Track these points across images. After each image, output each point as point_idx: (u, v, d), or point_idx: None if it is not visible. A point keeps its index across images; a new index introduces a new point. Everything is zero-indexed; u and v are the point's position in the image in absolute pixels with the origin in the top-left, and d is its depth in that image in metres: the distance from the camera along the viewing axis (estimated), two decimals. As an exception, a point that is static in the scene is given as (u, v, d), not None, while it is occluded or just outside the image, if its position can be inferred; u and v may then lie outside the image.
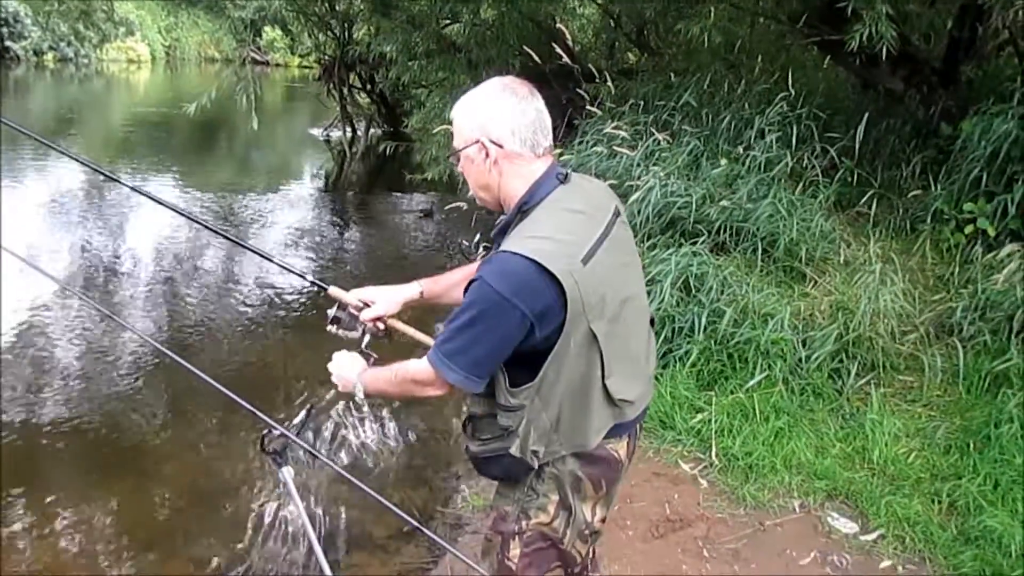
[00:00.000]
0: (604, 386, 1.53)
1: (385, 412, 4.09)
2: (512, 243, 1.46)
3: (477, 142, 1.53)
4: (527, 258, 1.41)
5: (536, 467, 1.56)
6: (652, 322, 1.74)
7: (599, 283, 1.48)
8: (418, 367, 1.56)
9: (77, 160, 2.12)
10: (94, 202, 8.77)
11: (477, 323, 1.44)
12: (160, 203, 2.10)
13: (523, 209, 1.54)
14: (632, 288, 1.61)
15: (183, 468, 3.53)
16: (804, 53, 6.30)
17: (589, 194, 1.62)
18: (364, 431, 3.94)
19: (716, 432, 3.42)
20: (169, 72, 32.61)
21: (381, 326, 1.89)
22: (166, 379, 4.34)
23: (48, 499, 3.20)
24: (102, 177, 9.59)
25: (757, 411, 3.47)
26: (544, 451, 1.55)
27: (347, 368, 1.74)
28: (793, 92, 4.77)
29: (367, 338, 1.87)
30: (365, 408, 4.04)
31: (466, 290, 1.48)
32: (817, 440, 3.40)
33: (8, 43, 26.64)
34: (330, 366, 1.77)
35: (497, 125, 1.52)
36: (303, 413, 1.77)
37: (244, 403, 1.70)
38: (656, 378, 3.65)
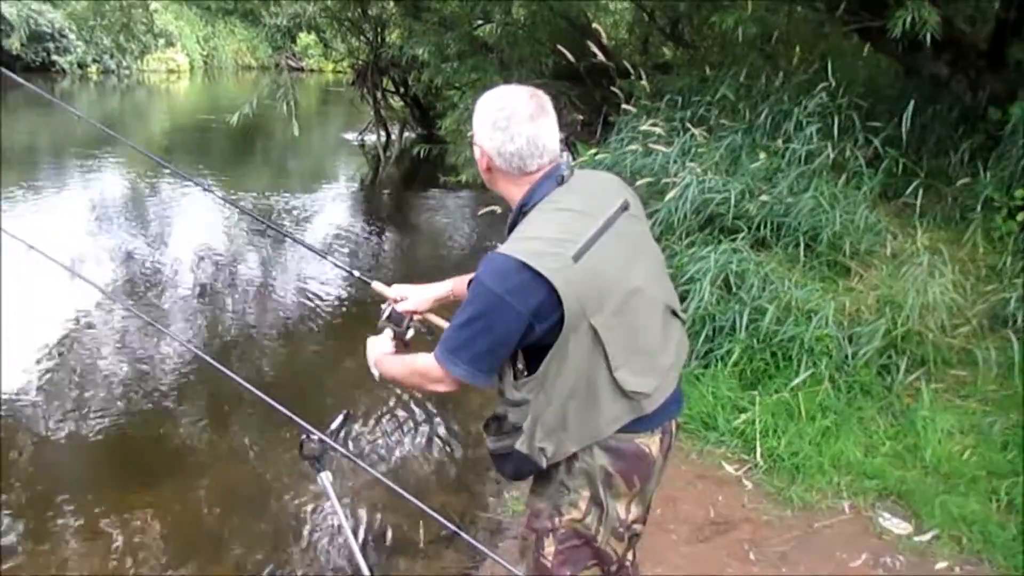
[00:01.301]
0: (613, 379, 1.54)
1: (423, 416, 4.10)
2: (506, 246, 1.53)
3: (477, 146, 1.63)
4: (515, 259, 1.46)
5: (544, 465, 1.58)
6: (676, 314, 1.72)
7: (596, 277, 1.50)
8: (425, 361, 1.62)
9: (144, 153, 2.16)
10: (135, 208, 8.97)
11: (476, 320, 1.50)
12: (224, 200, 2.16)
13: (523, 210, 1.61)
14: (640, 280, 1.59)
15: (223, 473, 3.57)
16: (843, 41, 6.16)
17: (589, 191, 1.64)
18: (403, 435, 3.95)
19: (760, 432, 3.36)
20: (207, 80, 33.22)
21: (417, 319, 2.00)
22: (207, 385, 4.40)
23: (91, 505, 3.26)
24: (145, 181, 9.84)
25: (803, 410, 3.40)
26: (553, 450, 1.57)
27: (370, 350, 1.86)
28: (833, 82, 4.65)
29: (411, 332, 1.97)
30: (402, 412, 4.06)
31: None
32: (866, 439, 3.32)
33: (55, 57, 27.44)
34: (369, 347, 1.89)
35: (489, 143, 1.59)
36: (340, 417, 1.78)
37: (282, 408, 1.73)
38: (697, 378, 3.64)
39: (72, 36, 26.44)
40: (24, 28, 25.04)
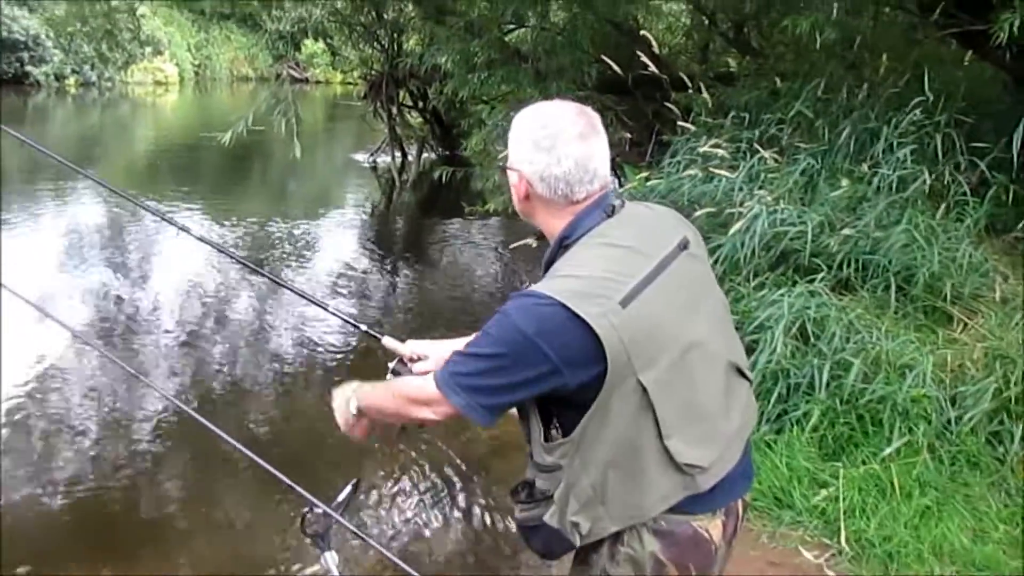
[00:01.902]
0: (664, 448, 1.51)
1: (443, 486, 4.10)
2: (543, 284, 1.52)
3: (514, 171, 1.63)
4: (554, 300, 1.45)
5: (578, 544, 1.56)
6: (743, 373, 1.70)
7: (647, 326, 1.48)
8: (417, 386, 1.64)
9: (108, 188, 2.24)
10: (113, 242, 9.20)
11: (494, 357, 1.50)
12: (200, 239, 2.19)
13: (564, 243, 1.60)
14: (700, 331, 1.58)
15: (207, 549, 3.59)
16: (940, 48, 6.19)
17: (643, 226, 1.64)
18: (419, 508, 3.96)
19: (845, 512, 3.30)
20: (199, 93, 34.24)
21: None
22: (191, 444, 4.45)
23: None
24: (125, 210, 10.09)
25: (896, 485, 3.34)
26: (589, 526, 1.54)
27: (340, 401, 1.80)
28: (931, 96, 4.66)
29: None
30: (418, 481, 4.06)
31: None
32: (975, 521, 3.25)
33: (29, 68, 28.48)
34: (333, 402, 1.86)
35: (529, 167, 1.59)
36: (348, 488, 1.79)
37: (280, 475, 1.75)
38: (768, 445, 3.61)
39: (49, 44, 27.44)
40: (-7, 35, 26.00)
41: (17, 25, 27.16)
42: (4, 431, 4.54)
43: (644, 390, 1.48)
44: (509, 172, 1.64)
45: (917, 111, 4.66)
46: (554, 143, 1.56)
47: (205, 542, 3.65)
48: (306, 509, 1.69)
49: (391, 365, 1.96)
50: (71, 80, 30.28)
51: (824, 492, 3.40)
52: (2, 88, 26.41)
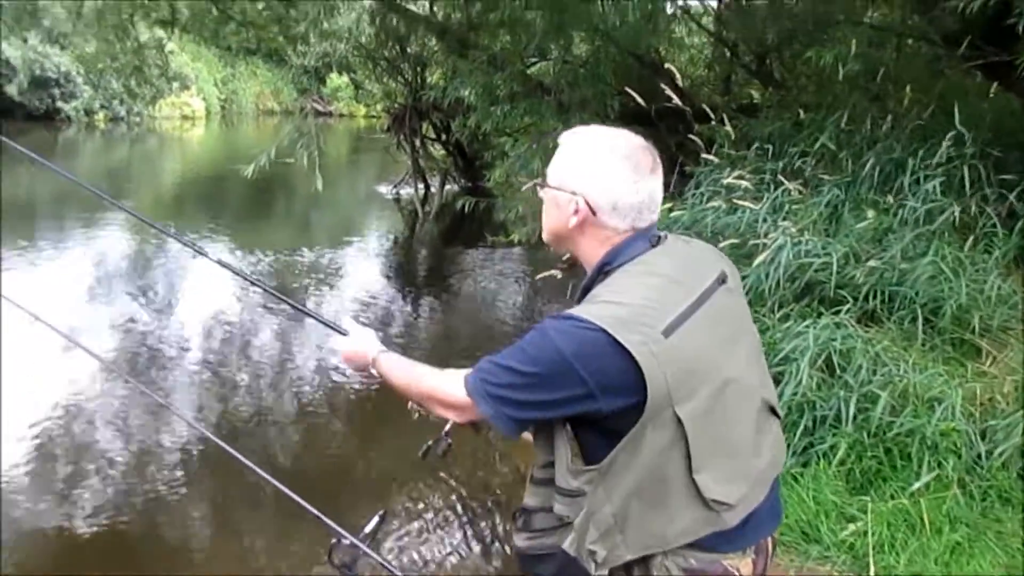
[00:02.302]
0: (692, 481, 1.49)
1: (469, 516, 4.10)
2: (584, 307, 1.51)
3: (573, 194, 1.59)
4: (595, 324, 1.44)
5: (594, 573, 1.53)
6: (775, 411, 1.69)
7: (688, 358, 1.47)
8: (446, 386, 1.64)
9: (139, 217, 2.27)
10: (139, 271, 9.34)
11: (527, 374, 1.49)
12: (228, 268, 2.21)
13: (605, 270, 1.59)
14: (737, 368, 1.58)
15: None
16: (965, 79, 6.19)
17: (684, 258, 1.64)
18: (446, 538, 3.96)
19: (874, 547, 3.26)
20: (225, 127, 34.78)
21: None
22: (215, 474, 4.51)
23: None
24: (151, 242, 10.24)
25: (926, 520, 3.30)
26: (605, 555, 1.52)
27: (366, 342, 1.86)
28: (960, 129, 4.65)
29: (450, 423, 1.89)
30: (445, 511, 4.06)
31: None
32: (1007, 558, 3.20)
33: (60, 104, 29.13)
34: (338, 343, 1.93)
35: (600, 194, 1.57)
36: (375, 519, 1.79)
37: (309, 506, 1.76)
38: (795, 478, 3.58)
39: (79, 80, 28.03)
40: (26, 73, 26.62)
41: (49, 62, 27.84)
42: (29, 456, 4.59)
43: (679, 422, 1.46)
44: (559, 194, 1.61)
45: (945, 143, 4.65)
46: (637, 174, 1.57)
47: (232, 572, 3.67)
48: (334, 540, 1.69)
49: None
50: (100, 115, 30.91)
51: (852, 527, 3.35)
52: (35, 123, 27.18)
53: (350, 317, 7.48)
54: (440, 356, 6.59)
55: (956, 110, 4.75)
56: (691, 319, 1.50)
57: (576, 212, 1.58)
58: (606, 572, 1.55)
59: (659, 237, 1.61)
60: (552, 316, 1.52)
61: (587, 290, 1.60)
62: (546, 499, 1.58)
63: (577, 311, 1.49)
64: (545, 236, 1.70)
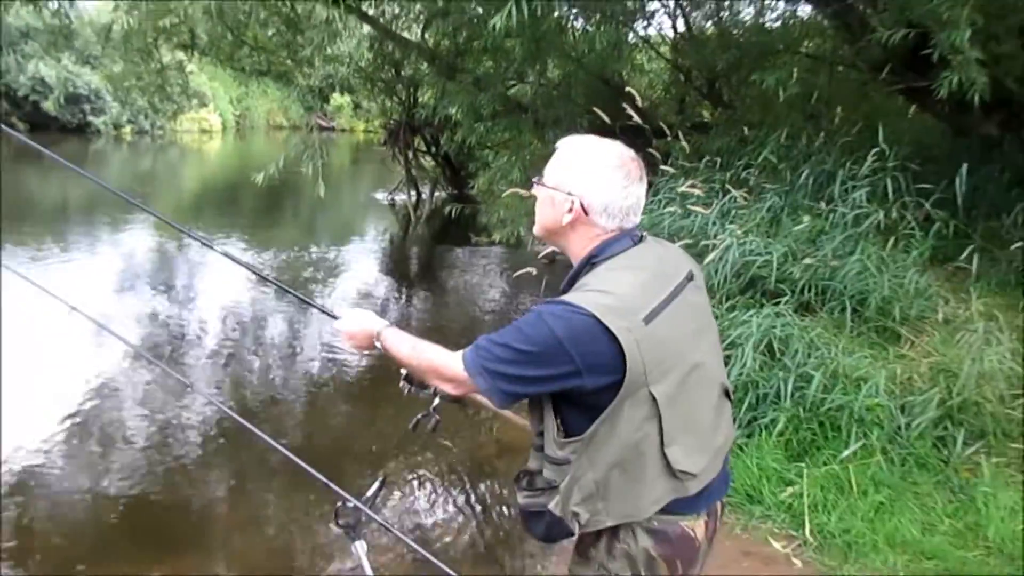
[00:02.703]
0: (663, 455, 1.52)
1: (461, 481, 4.11)
2: (575, 295, 1.51)
3: (569, 195, 1.59)
4: (587, 311, 1.45)
5: (576, 532, 1.56)
6: (728, 395, 1.71)
7: (663, 344, 1.49)
8: (446, 360, 1.61)
9: (160, 217, 2.23)
10: (162, 266, 9.23)
11: (524, 352, 1.48)
12: (237, 262, 2.18)
13: (592, 262, 1.60)
14: (702, 356, 1.60)
15: (251, 541, 3.58)
16: (887, 101, 6.24)
17: (661, 256, 1.65)
18: (439, 501, 3.96)
19: (809, 507, 3.29)
20: (239, 140, 34.43)
21: None
22: (232, 450, 4.45)
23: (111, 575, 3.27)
24: (173, 240, 10.13)
25: (854, 484, 3.34)
26: (588, 517, 1.55)
27: (367, 320, 1.80)
28: (883, 146, 4.68)
29: (437, 399, 1.92)
30: (438, 478, 4.05)
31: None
32: (923, 515, 3.24)
33: (90, 118, 28.76)
34: (339, 323, 1.84)
35: (595, 196, 1.58)
36: (376, 484, 1.79)
37: (317, 474, 1.74)
38: (740, 448, 3.61)
39: (108, 98, 27.66)
40: (61, 90, 26.31)
41: (80, 81, 27.49)
42: (64, 438, 4.54)
43: (654, 400, 1.49)
44: (555, 194, 1.61)
45: (870, 157, 4.69)
46: (628, 181, 1.58)
47: (247, 533, 3.65)
48: (339, 503, 1.69)
49: (403, 370, 1.83)
50: (127, 128, 30.54)
51: (790, 489, 3.39)
52: (67, 136, 26.80)
53: (347, 304, 7.47)
54: (430, 339, 6.54)
55: (880, 128, 4.79)
56: (666, 310, 1.52)
57: (571, 211, 1.59)
58: (594, 542, 1.58)
59: (640, 236, 1.63)
60: (546, 301, 1.52)
61: (574, 279, 1.61)
62: (539, 463, 1.60)
63: (569, 298, 1.50)
64: (537, 230, 1.69)
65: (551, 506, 1.56)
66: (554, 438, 1.54)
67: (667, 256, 1.68)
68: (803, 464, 3.50)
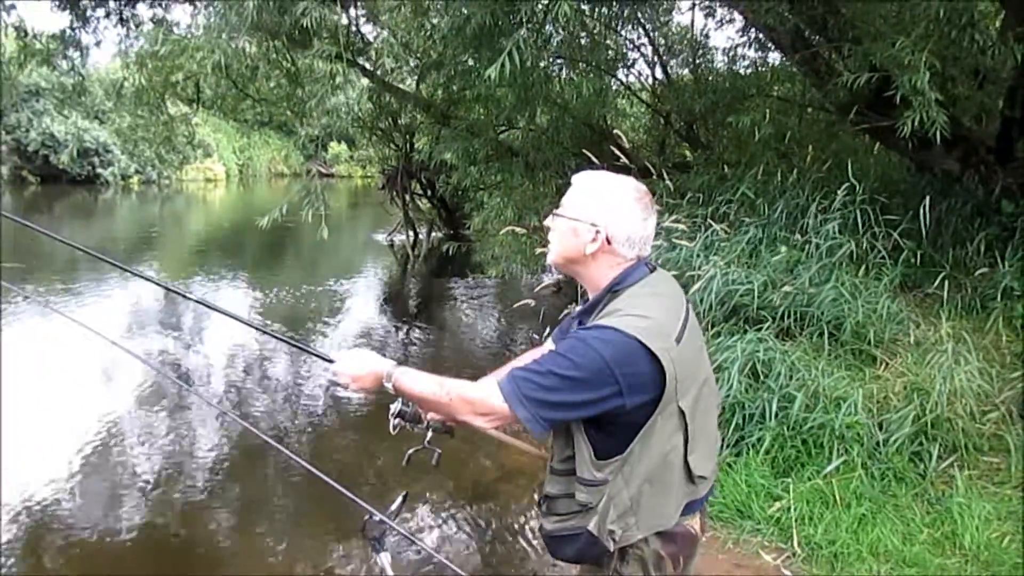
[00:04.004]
0: (686, 463, 1.59)
1: (478, 495, 4.19)
2: (612, 319, 1.53)
3: (593, 225, 1.62)
4: (630, 335, 1.49)
5: (612, 549, 1.58)
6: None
7: (687, 362, 1.56)
8: (482, 392, 1.55)
9: (126, 269, 2.18)
10: (174, 305, 9.25)
11: (571, 379, 1.48)
12: (218, 311, 2.10)
13: (614, 289, 1.62)
14: (707, 370, 1.69)
15: (282, 552, 3.63)
16: (855, 139, 6.40)
17: (671, 282, 1.73)
18: (458, 514, 4.02)
19: (796, 520, 3.34)
20: (242, 188, 34.58)
21: (438, 418, 1.83)
22: (262, 465, 4.55)
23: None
24: (189, 281, 10.15)
25: (837, 497, 3.39)
26: (621, 533, 1.57)
27: (373, 361, 1.67)
28: (851, 180, 4.81)
29: (430, 433, 1.87)
30: (456, 491, 4.10)
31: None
32: (903, 526, 3.29)
33: (99, 170, 28.91)
34: (338, 365, 1.69)
35: (619, 227, 1.62)
36: (399, 499, 1.82)
37: (343, 489, 1.77)
38: (729, 466, 3.67)
39: (116, 150, 27.86)
40: (76, 144, 26.58)
41: (88, 135, 27.71)
42: (81, 467, 4.55)
43: (682, 413, 1.55)
44: (578, 224, 1.63)
45: (840, 192, 4.81)
46: (646, 213, 1.64)
47: (278, 547, 3.69)
48: (366, 517, 1.71)
49: (393, 406, 1.81)
50: (135, 179, 30.69)
51: (778, 504, 3.44)
52: (77, 187, 26.95)
53: (351, 340, 7.46)
54: (431, 371, 6.56)
55: (849, 165, 4.93)
56: (686, 330, 1.59)
57: (595, 240, 1.62)
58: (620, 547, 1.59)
59: (655, 265, 1.69)
60: (587, 328, 1.55)
61: (595, 305, 1.64)
62: (566, 487, 1.61)
63: (610, 322, 1.52)
64: (555, 259, 1.69)
65: (590, 527, 1.57)
66: (591, 460, 1.55)
67: (672, 281, 1.75)
68: (789, 480, 3.55)
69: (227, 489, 4.34)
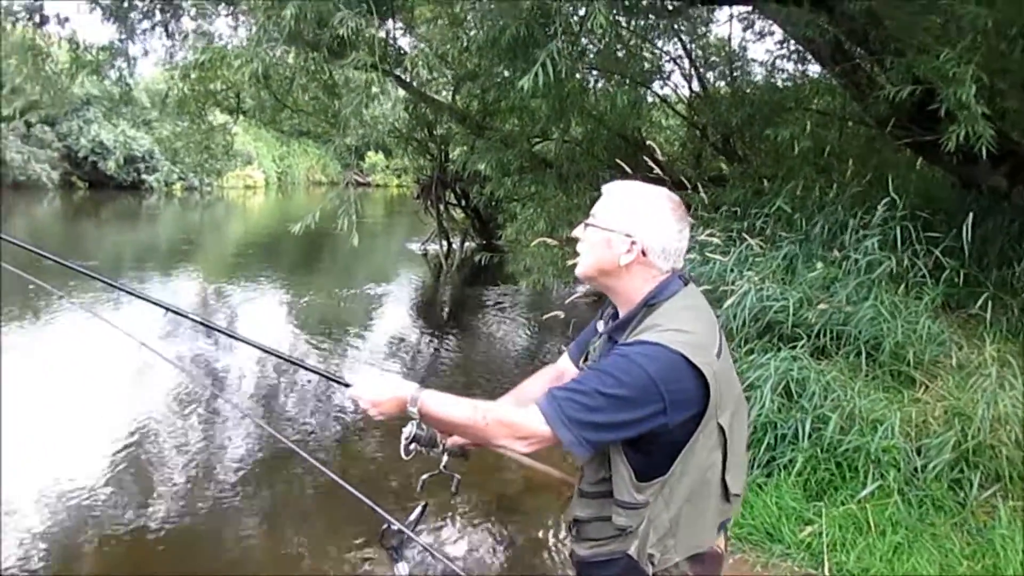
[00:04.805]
0: (723, 481, 1.54)
1: (497, 507, 4.16)
2: (653, 335, 1.47)
3: (628, 236, 1.55)
4: (674, 350, 1.44)
5: (650, 574, 1.53)
6: None
7: (726, 378, 1.52)
8: (521, 417, 1.48)
9: (107, 282, 2.14)
10: (215, 305, 9.39)
11: (616, 397, 1.42)
12: (215, 329, 2.03)
13: (650, 303, 1.56)
14: (739, 386, 1.64)
15: (304, 560, 3.65)
16: (896, 154, 6.26)
17: (701, 296, 1.67)
18: (477, 526, 3.99)
19: (828, 546, 3.24)
20: (281, 195, 35.20)
21: (460, 440, 1.76)
22: (284, 472, 4.56)
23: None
24: (216, 285, 10.30)
25: (872, 524, 3.29)
26: (660, 556, 1.52)
27: (393, 384, 1.58)
28: (892, 195, 4.69)
29: (446, 457, 1.80)
30: (476, 503, 4.08)
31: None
32: (941, 557, 3.17)
33: (144, 176, 29.74)
34: (355, 390, 1.60)
35: (654, 238, 1.55)
36: (418, 510, 1.80)
37: (363, 497, 1.74)
38: (759, 487, 3.58)
39: (160, 157, 28.61)
40: (121, 152, 27.44)
41: (135, 143, 28.55)
42: (113, 471, 4.61)
43: (721, 430, 1.50)
44: (612, 235, 1.56)
45: (881, 207, 4.69)
46: (681, 224, 1.58)
47: (298, 551, 3.72)
48: (384, 526, 1.69)
49: (406, 430, 1.66)
50: (177, 185, 31.46)
51: (809, 529, 3.34)
52: (123, 192, 27.70)
53: (382, 349, 7.48)
54: (461, 382, 6.60)
55: (889, 180, 4.80)
56: (723, 345, 1.55)
57: (629, 251, 1.55)
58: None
59: (688, 278, 1.63)
60: (628, 344, 1.48)
61: (629, 320, 1.57)
62: (599, 510, 1.56)
63: (652, 337, 1.46)
64: (587, 271, 1.61)
65: (631, 551, 1.52)
66: (631, 482, 1.49)
67: (701, 295, 1.69)
68: (821, 503, 3.46)
69: (251, 492, 4.38)
